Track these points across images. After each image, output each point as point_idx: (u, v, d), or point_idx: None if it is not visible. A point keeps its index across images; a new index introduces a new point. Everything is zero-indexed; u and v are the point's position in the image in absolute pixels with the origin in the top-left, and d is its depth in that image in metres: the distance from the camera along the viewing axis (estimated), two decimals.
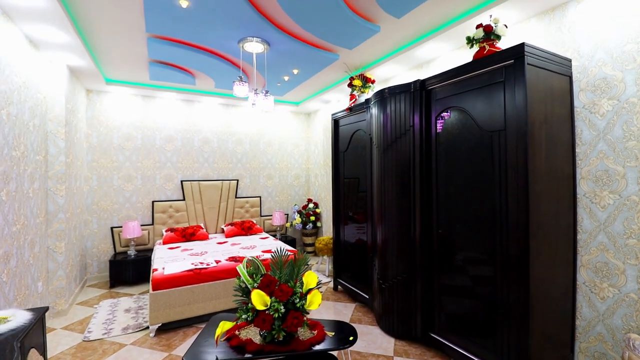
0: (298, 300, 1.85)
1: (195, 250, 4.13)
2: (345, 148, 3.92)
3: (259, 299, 1.78)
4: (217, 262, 3.55)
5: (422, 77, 3.48)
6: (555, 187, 2.13)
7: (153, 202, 4.96)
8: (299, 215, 5.77)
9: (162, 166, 5.10)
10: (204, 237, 4.81)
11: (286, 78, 4.11)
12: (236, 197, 5.59)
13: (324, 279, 4.57)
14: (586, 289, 2.23)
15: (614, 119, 2.08)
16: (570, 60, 2.26)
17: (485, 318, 2.25)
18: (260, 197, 5.84)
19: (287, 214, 6.09)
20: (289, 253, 2.08)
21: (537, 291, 2.00)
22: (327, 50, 3.31)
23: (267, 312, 1.78)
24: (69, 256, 3.69)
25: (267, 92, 3.06)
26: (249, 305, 1.86)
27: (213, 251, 4.10)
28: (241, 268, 1.97)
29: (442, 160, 2.59)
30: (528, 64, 1.95)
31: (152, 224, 4.94)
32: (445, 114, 2.54)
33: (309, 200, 6.00)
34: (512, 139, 2.03)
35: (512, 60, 2.01)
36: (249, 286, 1.90)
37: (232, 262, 3.55)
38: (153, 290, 3.05)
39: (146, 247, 4.83)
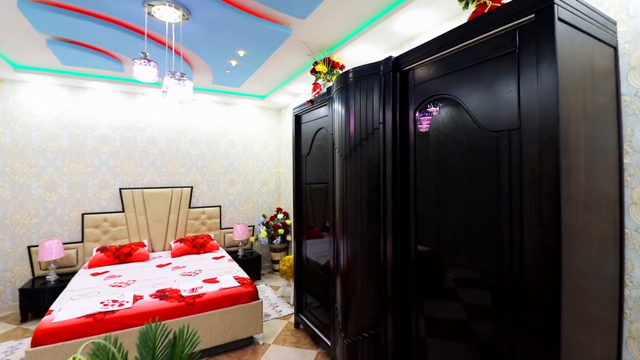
0: None
1: (123, 278, 3.30)
2: (307, 151, 3.12)
3: None
4: (136, 299, 2.72)
5: None
6: (596, 219, 1.36)
7: (83, 214, 4.09)
8: (265, 228, 4.95)
9: (95, 171, 4.23)
10: (144, 258, 3.97)
11: (233, 63, 3.27)
12: (190, 207, 4.74)
13: (287, 310, 3.77)
14: None
15: None
16: (615, 24, 1.49)
17: None
18: (220, 206, 5.00)
19: (253, 226, 5.27)
20: (167, 329, 1.27)
21: None
22: (273, 22, 2.48)
23: None
24: None
25: (182, 74, 2.21)
26: None
27: (144, 280, 3.27)
28: None
29: (423, 172, 1.80)
30: (560, 19, 1.17)
31: (82, 241, 4.08)
32: (432, 107, 1.75)
33: (279, 210, 5.18)
34: (532, 144, 1.24)
35: (533, 15, 1.22)
36: None
37: (156, 300, 2.72)
38: (32, 345, 2.23)
39: (73, 269, 3.97)
